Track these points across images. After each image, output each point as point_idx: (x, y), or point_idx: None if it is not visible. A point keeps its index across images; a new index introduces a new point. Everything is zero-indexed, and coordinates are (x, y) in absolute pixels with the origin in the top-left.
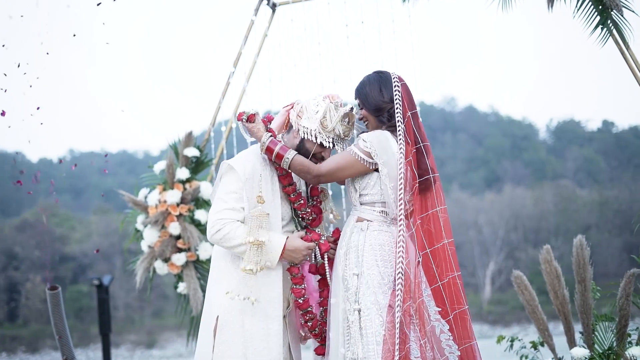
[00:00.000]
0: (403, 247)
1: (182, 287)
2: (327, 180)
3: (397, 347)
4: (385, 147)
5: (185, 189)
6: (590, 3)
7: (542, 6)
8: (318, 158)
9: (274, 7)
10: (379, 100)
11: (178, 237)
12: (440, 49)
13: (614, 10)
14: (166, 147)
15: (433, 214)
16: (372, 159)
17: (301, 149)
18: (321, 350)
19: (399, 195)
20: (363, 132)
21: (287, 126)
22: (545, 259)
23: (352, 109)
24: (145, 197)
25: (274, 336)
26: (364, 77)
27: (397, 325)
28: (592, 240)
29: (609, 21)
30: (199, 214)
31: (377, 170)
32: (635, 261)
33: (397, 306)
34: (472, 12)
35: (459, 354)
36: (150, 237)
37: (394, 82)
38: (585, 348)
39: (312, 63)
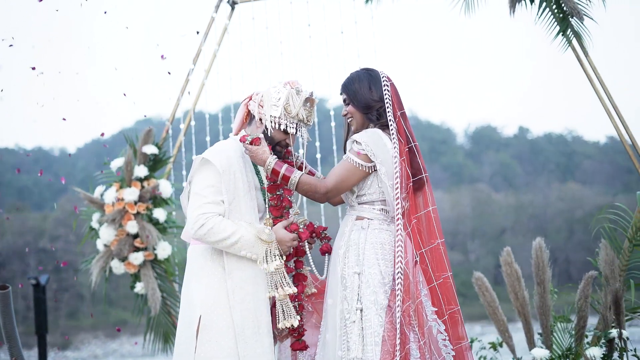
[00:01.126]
0: (402, 246)
1: (139, 287)
2: (334, 194)
3: (397, 347)
4: (380, 146)
5: (143, 186)
6: (550, 10)
7: (497, 11)
8: (283, 146)
9: (233, 4)
10: (368, 98)
11: (135, 236)
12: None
13: (574, 18)
14: (82, 145)
15: (426, 213)
16: (371, 161)
17: (266, 139)
18: (297, 345)
19: (396, 193)
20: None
21: (247, 118)
22: (506, 260)
23: (312, 93)
24: (102, 195)
25: (264, 328)
26: (352, 73)
27: (398, 326)
28: (507, 243)
29: (569, 29)
30: (157, 213)
31: (375, 170)
32: (591, 263)
33: (397, 306)
34: (405, 17)
35: (454, 354)
36: (106, 235)
37: (383, 81)
38: (544, 348)
39: (274, 61)
